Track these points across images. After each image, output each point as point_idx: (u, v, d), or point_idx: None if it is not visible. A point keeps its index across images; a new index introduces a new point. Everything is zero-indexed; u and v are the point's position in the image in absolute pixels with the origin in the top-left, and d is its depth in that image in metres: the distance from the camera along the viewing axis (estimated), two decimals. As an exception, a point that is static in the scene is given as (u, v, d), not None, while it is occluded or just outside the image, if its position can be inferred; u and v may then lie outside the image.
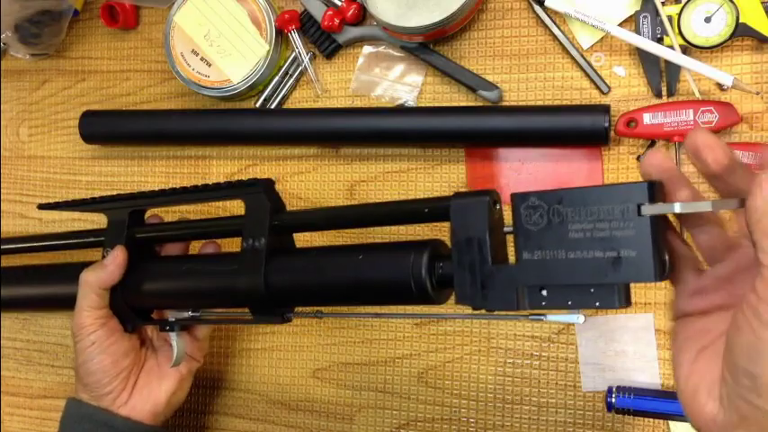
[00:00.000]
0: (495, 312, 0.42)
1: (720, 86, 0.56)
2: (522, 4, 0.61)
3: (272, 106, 0.69)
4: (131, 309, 0.59)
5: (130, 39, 0.77)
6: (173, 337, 0.58)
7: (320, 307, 0.55)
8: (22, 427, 0.80)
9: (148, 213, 0.62)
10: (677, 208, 0.34)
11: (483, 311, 0.42)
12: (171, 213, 0.72)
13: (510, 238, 0.40)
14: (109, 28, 0.76)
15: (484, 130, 0.60)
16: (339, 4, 0.65)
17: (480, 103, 0.63)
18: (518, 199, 0.39)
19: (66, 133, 0.80)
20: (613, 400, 0.57)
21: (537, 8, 0.60)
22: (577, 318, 0.41)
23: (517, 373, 0.62)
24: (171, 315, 0.58)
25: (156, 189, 0.59)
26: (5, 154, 0.83)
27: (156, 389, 0.59)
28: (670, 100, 0.57)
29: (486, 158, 0.62)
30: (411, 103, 0.65)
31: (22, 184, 0.82)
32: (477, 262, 0.41)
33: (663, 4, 0.56)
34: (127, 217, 0.59)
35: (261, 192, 0.53)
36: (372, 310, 0.60)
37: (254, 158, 0.71)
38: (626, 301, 0.38)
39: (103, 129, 0.73)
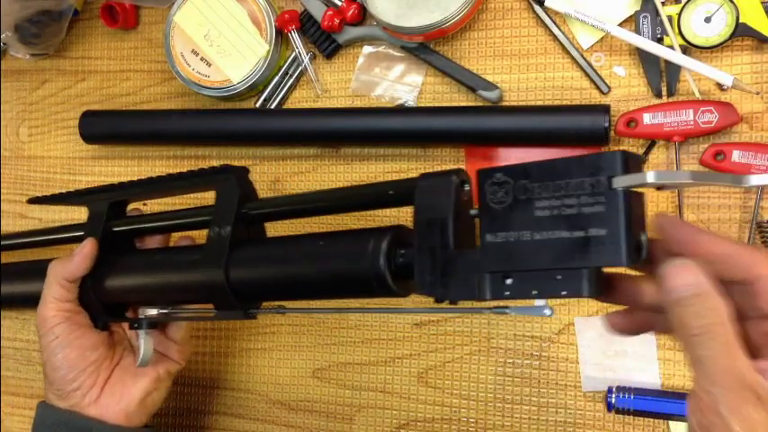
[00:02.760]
0: (458, 305, 0.38)
1: (720, 86, 0.56)
2: (522, 4, 0.61)
3: (272, 106, 0.69)
4: (103, 304, 0.56)
5: (130, 39, 0.77)
6: (140, 335, 0.55)
7: (285, 301, 0.51)
8: (21, 427, 0.80)
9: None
10: (651, 177, 0.30)
11: (446, 304, 0.38)
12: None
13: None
14: (109, 28, 0.76)
15: (484, 130, 0.60)
16: (339, 4, 0.65)
17: (480, 103, 0.63)
18: (483, 175, 0.36)
19: (66, 133, 0.80)
20: (613, 400, 0.57)
21: (537, 8, 0.60)
22: (544, 310, 0.36)
23: (517, 373, 0.62)
24: (141, 312, 0.56)
25: (135, 179, 0.57)
26: (5, 154, 0.83)
27: (131, 387, 0.56)
28: (670, 100, 0.57)
29: (486, 158, 0.62)
30: (411, 103, 0.65)
31: (22, 184, 0.82)
32: (438, 246, 0.37)
33: (663, 4, 0.56)
34: (106, 209, 0.58)
35: (232, 179, 0.50)
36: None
37: (254, 158, 0.71)
38: (597, 290, 0.33)
39: (103, 129, 0.73)
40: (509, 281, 0.35)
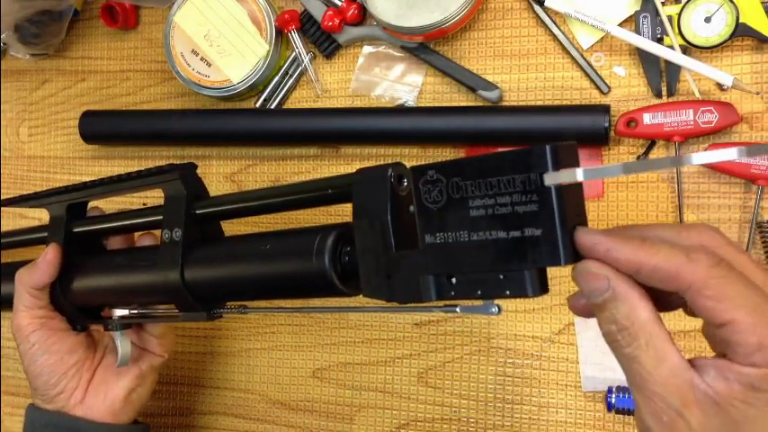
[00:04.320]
0: (408, 305, 0.38)
1: (720, 86, 0.56)
2: (522, 4, 0.61)
3: (272, 106, 0.69)
4: (76, 307, 0.56)
5: (130, 39, 0.77)
6: (116, 336, 0.55)
7: (244, 301, 0.50)
8: (21, 427, 0.80)
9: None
10: (580, 175, 0.29)
11: (395, 304, 0.38)
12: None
13: None
14: (109, 28, 0.76)
15: (484, 130, 0.60)
16: (339, 4, 0.65)
17: (480, 103, 0.63)
18: (416, 173, 0.35)
19: (66, 133, 0.80)
20: (613, 400, 0.57)
21: (537, 8, 0.60)
22: (492, 308, 0.35)
23: (517, 373, 0.62)
24: (114, 313, 0.55)
25: (88, 180, 0.57)
26: (5, 154, 0.83)
27: (114, 385, 0.56)
28: (670, 100, 0.57)
29: (486, 158, 0.62)
30: (411, 103, 0.65)
31: (22, 184, 0.82)
32: (380, 248, 0.37)
33: (663, 4, 0.56)
34: (65, 211, 0.58)
35: (177, 178, 0.50)
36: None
37: (254, 158, 0.71)
38: (540, 289, 0.33)
39: (103, 129, 0.74)
40: (454, 280, 0.35)
